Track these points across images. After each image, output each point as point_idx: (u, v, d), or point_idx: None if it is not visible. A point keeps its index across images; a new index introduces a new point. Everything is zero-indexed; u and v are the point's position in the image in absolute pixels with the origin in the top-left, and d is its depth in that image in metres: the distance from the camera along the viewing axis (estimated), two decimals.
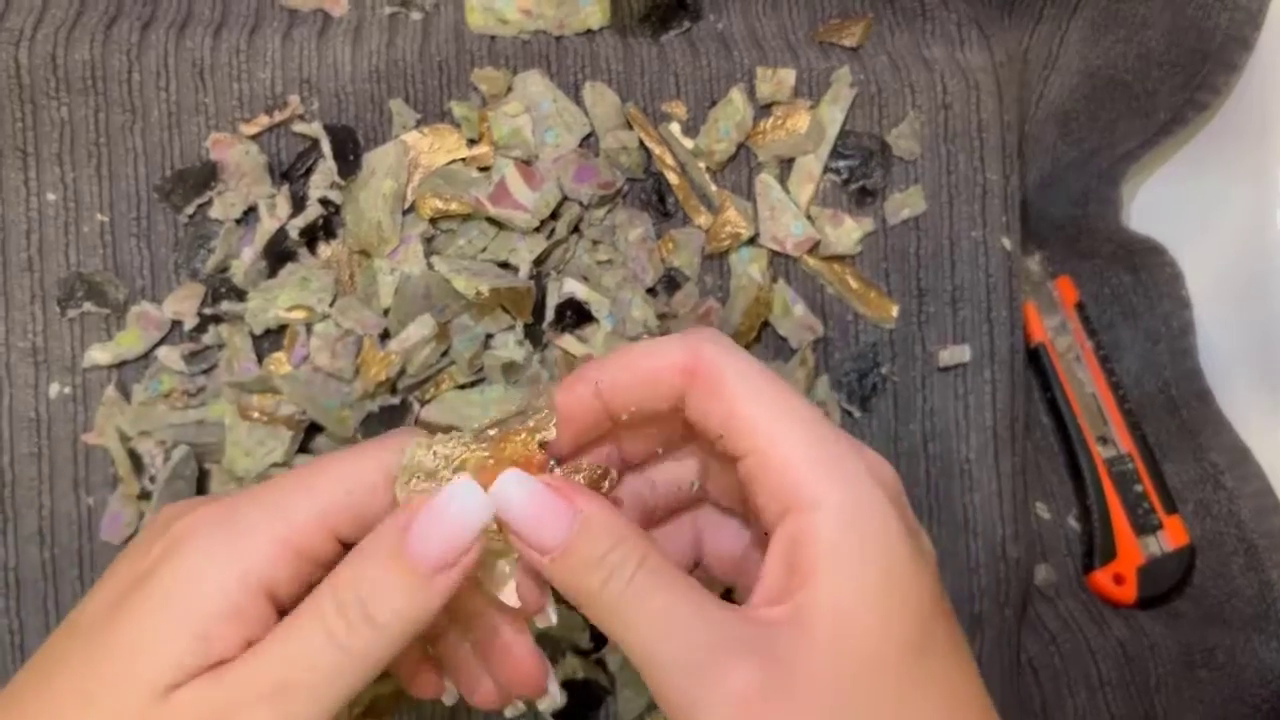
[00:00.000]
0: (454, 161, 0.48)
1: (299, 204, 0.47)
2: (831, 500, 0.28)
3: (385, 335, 0.47)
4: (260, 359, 0.47)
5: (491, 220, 0.47)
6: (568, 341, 0.47)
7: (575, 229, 0.49)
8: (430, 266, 0.46)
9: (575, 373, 0.32)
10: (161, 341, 0.47)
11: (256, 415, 0.45)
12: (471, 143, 0.49)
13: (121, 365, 0.47)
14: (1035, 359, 0.54)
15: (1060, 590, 0.53)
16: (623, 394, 0.31)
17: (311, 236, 0.47)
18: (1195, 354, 0.53)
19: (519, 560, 0.31)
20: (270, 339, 0.47)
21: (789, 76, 0.50)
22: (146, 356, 0.47)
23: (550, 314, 0.47)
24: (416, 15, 0.50)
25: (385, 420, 0.46)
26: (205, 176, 0.47)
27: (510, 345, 0.47)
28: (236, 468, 0.45)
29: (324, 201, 0.47)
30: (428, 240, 0.47)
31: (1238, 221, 0.52)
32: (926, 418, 0.50)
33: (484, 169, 0.48)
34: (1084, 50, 0.52)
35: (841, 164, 0.50)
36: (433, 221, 0.47)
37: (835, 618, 0.27)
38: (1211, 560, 0.51)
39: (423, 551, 0.28)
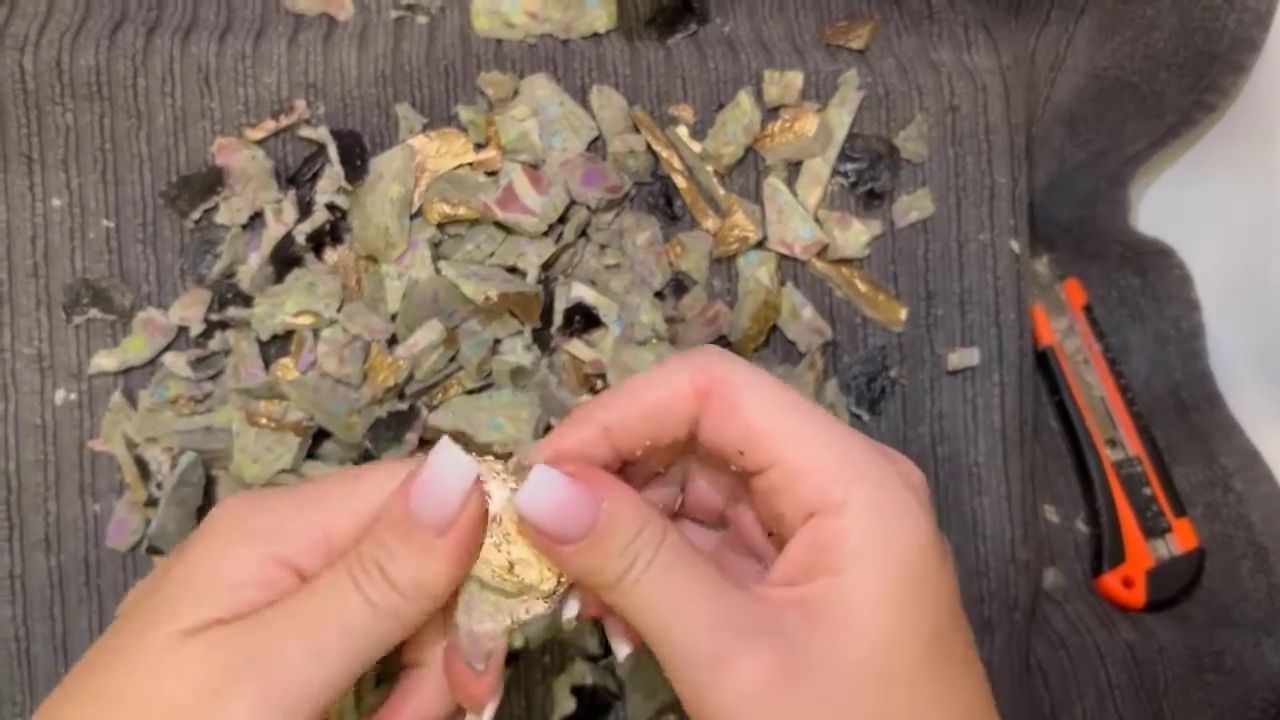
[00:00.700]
0: (461, 166, 0.48)
1: (305, 209, 0.47)
2: (859, 501, 0.28)
3: (393, 340, 0.47)
4: (267, 365, 0.47)
5: (499, 225, 0.47)
6: (576, 346, 0.47)
7: (583, 233, 0.48)
8: (438, 271, 0.46)
9: (579, 413, 0.31)
10: (168, 348, 0.47)
11: (264, 421, 0.45)
12: (478, 147, 0.48)
13: (128, 371, 0.47)
14: (1043, 362, 0.54)
15: (1068, 593, 0.53)
16: (633, 433, 0.31)
17: (318, 242, 0.47)
18: (1205, 356, 0.53)
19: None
20: (277, 345, 0.47)
21: (796, 79, 0.49)
22: (153, 363, 0.47)
23: (558, 318, 0.47)
24: (422, 19, 0.50)
25: (393, 426, 0.46)
26: (211, 182, 0.47)
27: (518, 350, 0.47)
28: (244, 474, 0.45)
29: (331, 206, 0.47)
30: (435, 245, 0.47)
31: (1246, 223, 0.52)
32: (935, 421, 0.50)
33: (491, 173, 0.48)
34: (1091, 52, 0.52)
35: (849, 167, 0.50)
36: (440, 226, 0.47)
37: (855, 614, 0.27)
38: (1220, 563, 0.51)
39: (421, 514, 0.29)
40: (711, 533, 0.36)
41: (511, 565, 0.31)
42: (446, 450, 0.29)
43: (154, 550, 0.47)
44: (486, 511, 0.30)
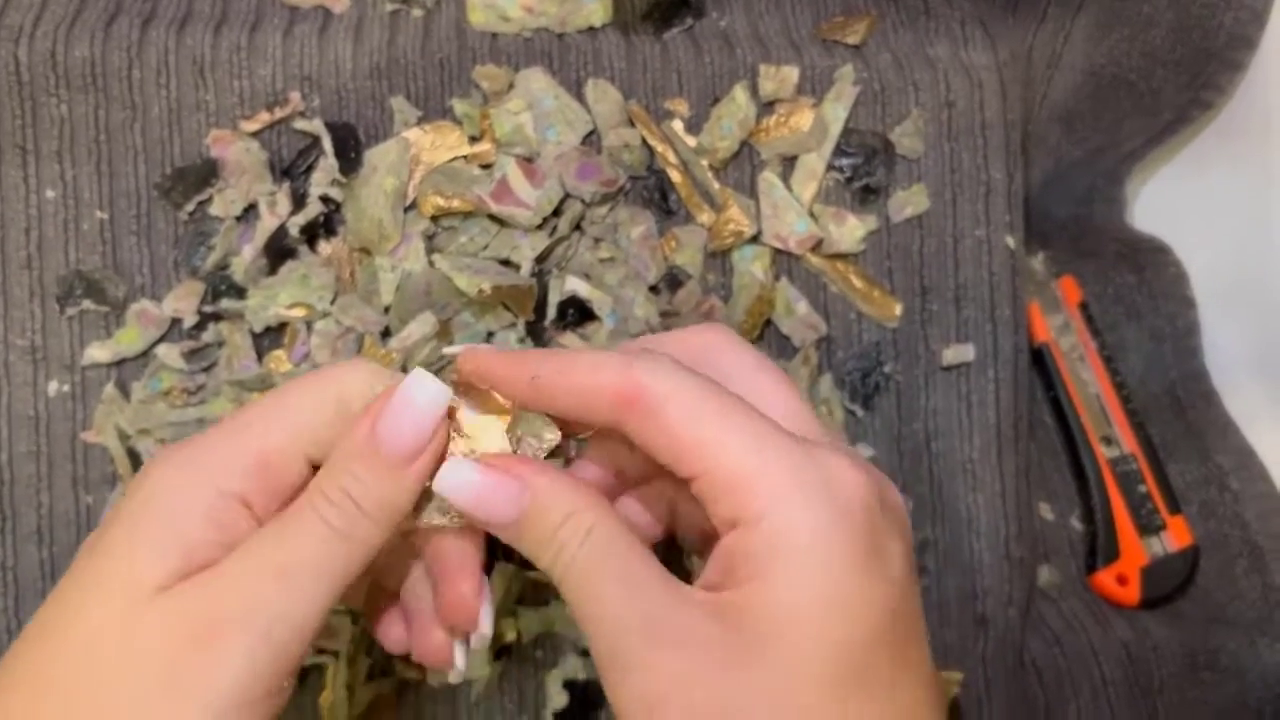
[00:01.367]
0: (456, 159, 0.48)
1: (299, 201, 0.47)
2: (776, 515, 0.27)
3: (386, 333, 0.47)
4: (260, 357, 0.47)
5: (493, 218, 0.47)
6: (569, 339, 0.47)
7: (577, 227, 0.48)
8: (431, 264, 0.46)
9: (518, 354, 0.32)
10: (161, 339, 0.47)
11: None
12: (473, 140, 0.48)
13: (121, 363, 0.47)
14: (1038, 359, 0.54)
15: (1063, 591, 0.52)
16: (559, 400, 0.31)
17: (312, 234, 0.47)
18: (1200, 354, 0.53)
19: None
20: (270, 337, 0.47)
21: (792, 74, 0.49)
22: (146, 354, 0.47)
23: (552, 312, 0.47)
24: (418, 12, 0.50)
25: None
26: (205, 174, 0.47)
27: (512, 343, 0.47)
28: None
29: (325, 199, 0.47)
30: (429, 238, 0.47)
31: (1242, 221, 0.52)
32: (930, 417, 0.50)
33: (486, 166, 0.48)
34: (1088, 49, 0.52)
35: (845, 162, 0.50)
36: (434, 219, 0.47)
37: (761, 629, 0.27)
38: (1215, 561, 0.51)
39: (393, 442, 0.29)
40: None
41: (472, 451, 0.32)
42: (421, 381, 0.30)
43: None
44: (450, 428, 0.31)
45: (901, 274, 0.50)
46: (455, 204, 0.46)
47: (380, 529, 0.30)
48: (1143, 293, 0.54)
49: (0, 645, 0.46)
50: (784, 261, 0.50)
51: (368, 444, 0.29)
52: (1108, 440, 0.53)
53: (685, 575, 0.29)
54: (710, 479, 0.28)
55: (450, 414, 0.32)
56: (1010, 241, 0.50)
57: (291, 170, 0.47)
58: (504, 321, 0.47)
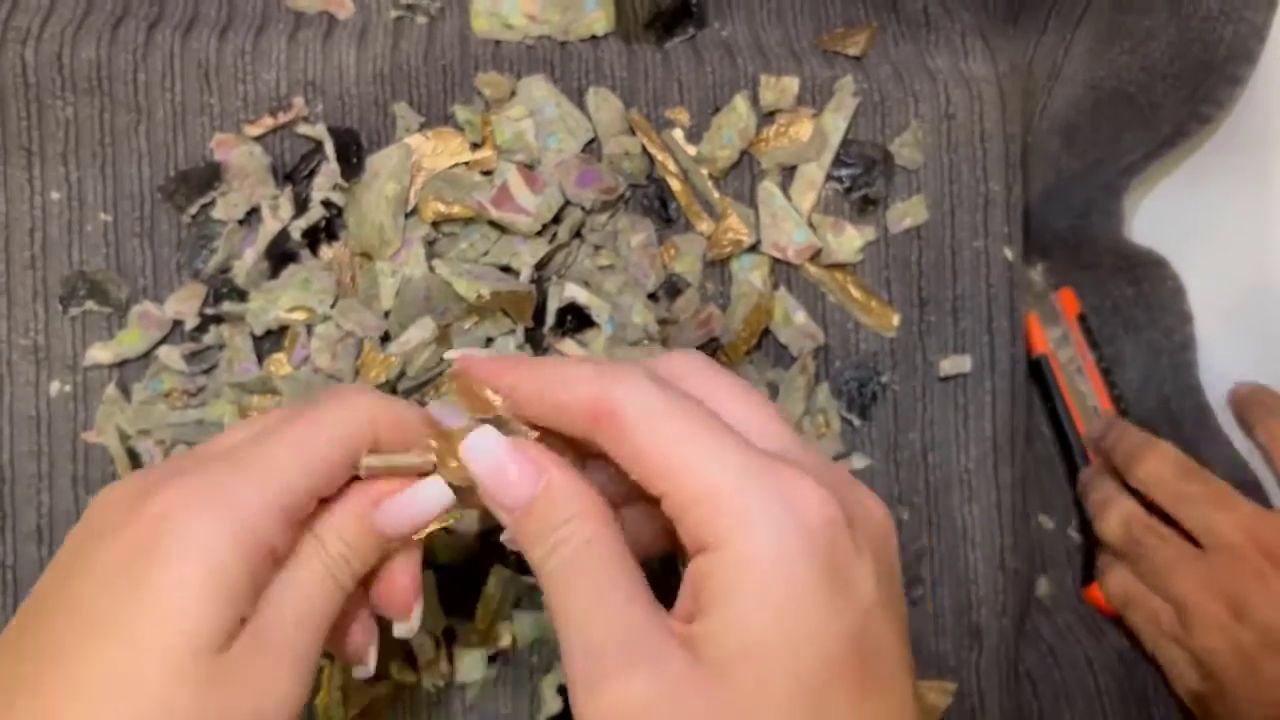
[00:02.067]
0: (457, 165, 0.48)
1: (302, 205, 0.48)
2: (731, 543, 0.27)
3: (386, 337, 0.47)
4: (261, 360, 0.47)
5: (493, 224, 0.47)
6: (568, 346, 0.47)
7: (577, 234, 0.49)
8: (432, 269, 0.46)
9: (503, 361, 0.33)
10: (162, 341, 0.47)
11: (256, 415, 0.45)
12: (475, 146, 0.49)
13: (122, 364, 0.47)
14: (1037, 370, 0.54)
15: (1058, 602, 0.53)
16: (537, 412, 0.31)
17: (314, 238, 0.48)
18: (1196, 368, 0.53)
19: None
20: (271, 340, 0.47)
21: (792, 84, 0.50)
22: (147, 356, 0.47)
23: (551, 318, 0.47)
24: (421, 19, 0.50)
25: None
26: (209, 177, 0.47)
27: (511, 349, 0.47)
28: None
29: (326, 203, 0.47)
30: (429, 243, 0.47)
31: (1240, 235, 0.52)
32: (927, 427, 0.50)
33: (486, 173, 0.48)
34: (1089, 62, 0.52)
35: (844, 172, 0.50)
36: (435, 224, 0.47)
37: (718, 661, 0.27)
38: None
39: (390, 528, 0.33)
40: None
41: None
42: (430, 487, 0.33)
43: None
44: None
45: (900, 285, 0.50)
46: (456, 210, 0.47)
47: (360, 575, 0.33)
48: (1140, 306, 0.54)
49: None
50: (782, 271, 0.50)
51: (366, 521, 0.33)
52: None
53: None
54: (675, 499, 0.28)
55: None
56: (1008, 253, 0.50)
57: (294, 175, 0.48)
58: (503, 327, 0.47)
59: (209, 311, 0.47)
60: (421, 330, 0.46)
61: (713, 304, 0.49)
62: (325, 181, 0.47)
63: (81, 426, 0.47)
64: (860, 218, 0.50)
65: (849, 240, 0.50)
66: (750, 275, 0.49)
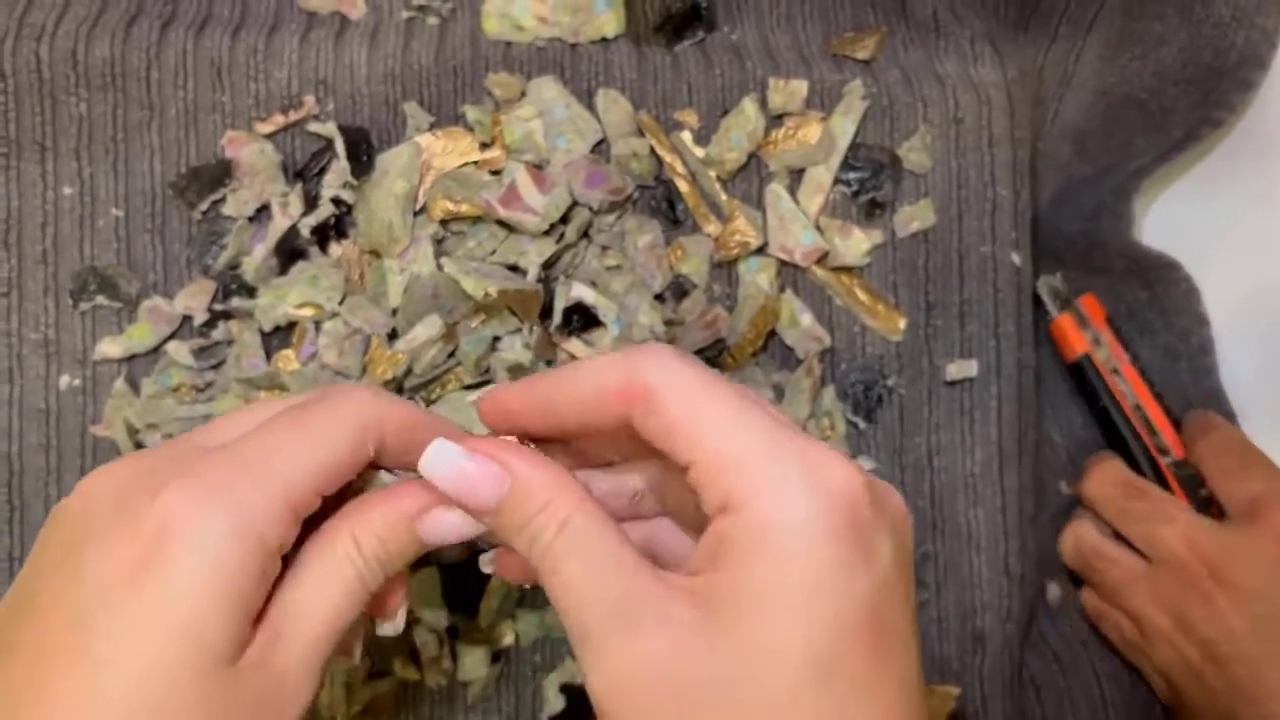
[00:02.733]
0: (466, 164, 0.49)
1: (311, 203, 0.48)
2: (759, 503, 0.27)
3: (394, 335, 0.47)
4: (269, 356, 0.47)
5: (501, 223, 0.47)
6: (574, 345, 0.47)
7: (585, 234, 0.49)
8: (440, 267, 0.47)
9: (529, 380, 0.33)
10: (172, 336, 0.47)
11: (253, 404, 0.45)
12: (484, 146, 0.49)
13: (131, 359, 0.47)
14: (1076, 374, 0.53)
15: (1069, 608, 0.52)
16: (571, 415, 0.31)
17: (323, 235, 0.48)
18: (1216, 373, 0.52)
19: None
20: (279, 336, 0.48)
21: (801, 88, 0.50)
22: (156, 350, 0.47)
23: (558, 317, 0.47)
24: (433, 20, 0.50)
25: None
26: (220, 174, 0.48)
27: (517, 347, 0.47)
28: None
29: (336, 201, 0.48)
30: (438, 241, 0.48)
31: (1252, 239, 0.52)
32: (932, 431, 0.50)
33: (495, 172, 0.49)
34: (1100, 68, 0.52)
35: (852, 176, 0.50)
36: (443, 223, 0.48)
37: (732, 614, 0.27)
38: None
39: (435, 538, 0.32)
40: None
41: None
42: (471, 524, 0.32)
43: None
44: None
45: (906, 288, 0.50)
46: (464, 208, 0.47)
47: (388, 577, 0.33)
48: (1154, 309, 0.54)
49: None
50: (789, 273, 0.50)
51: (410, 531, 0.32)
52: (1160, 449, 0.52)
53: None
54: (703, 465, 0.28)
55: None
56: (1016, 258, 0.50)
57: (304, 172, 0.48)
58: (509, 326, 0.47)
59: (218, 307, 0.47)
60: (429, 327, 0.46)
61: (719, 305, 0.49)
62: (335, 179, 0.48)
63: (90, 420, 0.47)
64: (868, 221, 0.50)
65: (856, 243, 0.50)
66: (757, 277, 0.49)
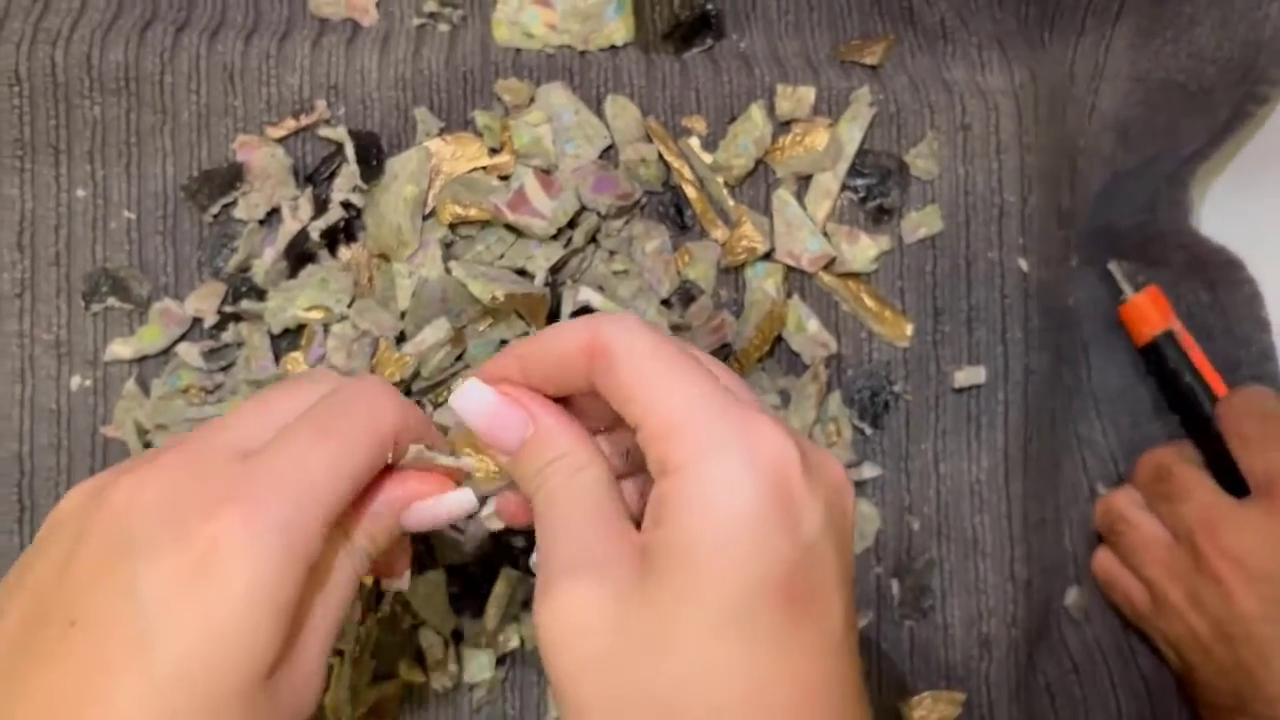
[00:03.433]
0: (475, 169, 0.49)
1: (321, 206, 0.48)
2: (692, 468, 0.29)
3: (402, 338, 0.47)
4: (278, 358, 0.48)
5: (510, 227, 0.48)
6: None
7: (592, 239, 0.49)
8: (448, 271, 0.47)
9: (506, 349, 0.35)
10: (182, 338, 0.48)
11: (268, 394, 0.45)
12: (493, 152, 0.49)
13: (142, 360, 0.48)
14: (1153, 354, 0.52)
15: (1091, 615, 0.52)
16: (545, 377, 0.34)
17: (332, 239, 0.48)
18: (1278, 380, 0.52)
19: None
20: (288, 338, 0.48)
21: (809, 94, 0.50)
22: (167, 352, 0.48)
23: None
24: (444, 27, 0.51)
25: None
26: (231, 177, 0.48)
27: None
28: None
29: (346, 205, 0.48)
30: (446, 245, 0.48)
31: None
32: (939, 437, 0.50)
33: (504, 177, 0.49)
34: (1132, 56, 0.51)
35: (859, 182, 0.50)
36: (452, 227, 0.48)
37: (660, 568, 0.29)
38: None
39: (415, 526, 0.35)
40: None
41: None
42: (465, 494, 0.35)
43: None
44: None
45: (914, 295, 0.50)
46: (473, 213, 0.47)
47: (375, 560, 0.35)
48: (1215, 311, 0.53)
49: None
50: (796, 279, 0.50)
51: (397, 529, 0.35)
52: None
53: None
54: (647, 428, 0.30)
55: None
56: (1023, 264, 0.50)
57: (315, 176, 0.49)
58: (517, 329, 0.47)
59: (228, 309, 0.48)
60: (436, 331, 0.46)
61: (726, 311, 0.49)
62: (345, 183, 0.48)
63: (100, 421, 0.47)
64: (875, 227, 0.51)
65: (863, 249, 0.50)
66: (764, 283, 0.50)
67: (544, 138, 0.48)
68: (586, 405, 0.35)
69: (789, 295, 0.50)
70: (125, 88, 0.48)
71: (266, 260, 0.48)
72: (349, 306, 0.47)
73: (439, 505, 0.35)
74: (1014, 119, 0.50)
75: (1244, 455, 0.49)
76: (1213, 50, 0.49)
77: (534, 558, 0.33)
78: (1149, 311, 0.52)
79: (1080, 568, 0.53)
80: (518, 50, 0.50)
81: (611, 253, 0.49)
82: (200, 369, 0.47)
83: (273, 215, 0.48)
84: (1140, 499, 0.51)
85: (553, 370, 0.33)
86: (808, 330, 0.50)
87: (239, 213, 0.48)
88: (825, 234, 0.50)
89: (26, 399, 0.47)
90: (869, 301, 0.50)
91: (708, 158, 0.50)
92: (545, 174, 0.48)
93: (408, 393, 0.47)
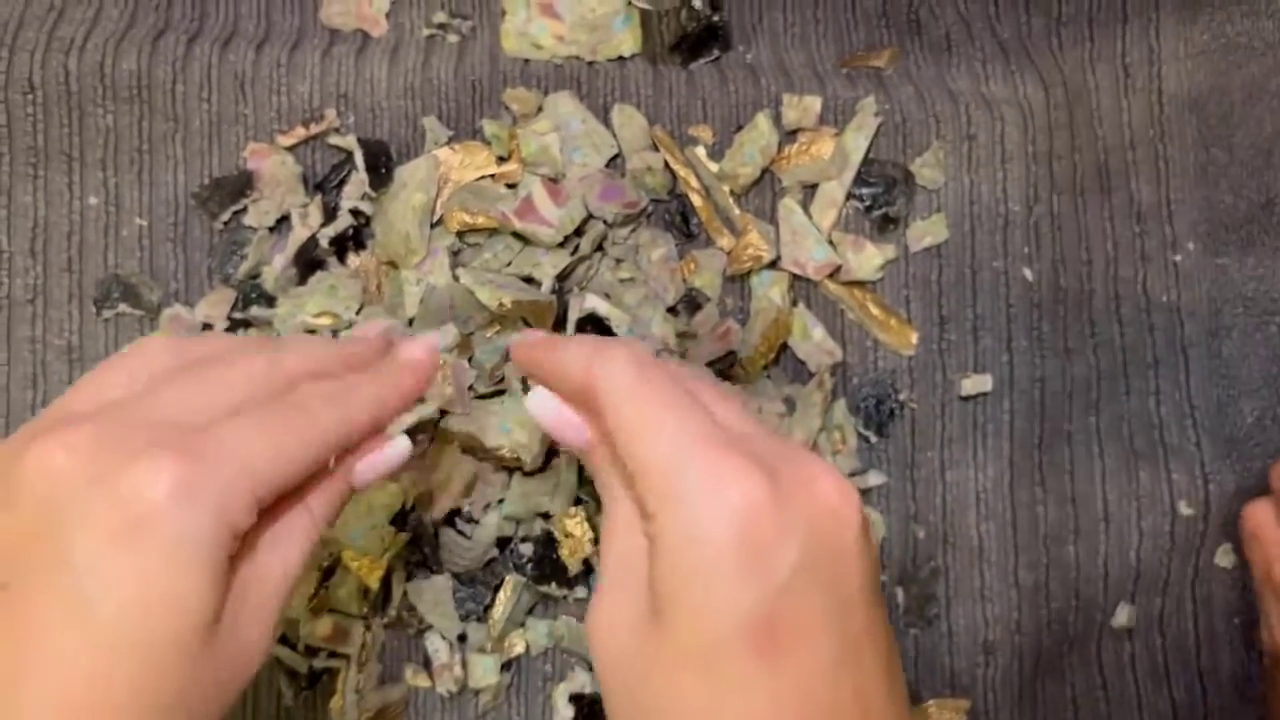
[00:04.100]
0: (483, 177, 0.49)
1: (331, 214, 0.49)
2: (660, 516, 0.30)
3: None
4: None
5: (517, 235, 0.48)
6: None
7: (599, 247, 0.49)
8: (455, 278, 0.47)
9: (532, 342, 0.37)
10: None
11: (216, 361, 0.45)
12: (501, 160, 0.50)
13: None
14: None
15: (1137, 634, 0.51)
16: (558, 385, 0.36)
17: (341, 246, 0.49)
18: None
19: None
20: None
21: (815, 104, 0.50)
22: None
23: (571, 328, 0.47)
24: (453, 38, 0.51)
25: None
26: (241, 185, 0.48)
27: None
28: None
29: (355, 212, 0.48)
30: (454, 253, 0.48)
31: None
32: (945, 445, 0.50)
33: (511, 186, 0.49)
34: (1184, 32, 0.51)
35: (865, 191, 0.51)
36: (460, 235, 0.48)
37: (656, 608, 0.30)
38: None
39: (363, 483, 0.37)
40: None
41: None
42: (401, 443, 0.37)
43: None
44: None
45: (919, 303, 0.51)
46: (480, 220, 0.48)
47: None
48: None
49: None
50: (802, 287, 0.51)
51: (345, 486, 0.36)
52: None
53: None
54: (629, 470, 0.31)
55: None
56: (1028, 273, 0.50)
57: (324, 184, 0.49)
58: None
59: (238, 315, 0.48)
60: (444, 337, 0.47)
61: (732, 319, 0.50)
62: (354, 191, 0.48)
63: None
64: (880, 236, 0.51)
65: (869, 258, 0.50)
66: (769, 291, 0.50)
67: (551, 146, 0.49)
68: None
69: (794, 303, 0.50)
70: (138, 96, 0.48)
71: (276, 267, 0.48)
72: (357, 313, 0.48)
73: (382, 458, 0.37)
74: (1019, 128, 0.51)
75: None
76: (1265, 3, 0.48)
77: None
78: None
79: (1144, 582, 0.50)
80: (526, 60, 0.51)
81: (618, 260, 0.49)
82: None
83: (282, 222, 0.49)
84: None
85: (564, 386, 0.35)
86: (813, 338, 0.50)
87: (249, 220, 0.49)
88: (831, 242, 0.50)
89: (39, 404, 0.48)
90: (874, 310, 0.50)
91: (714, 166, 0.50)
92: (553, 182, 0.49)
93: (420, 401, 0.47)
